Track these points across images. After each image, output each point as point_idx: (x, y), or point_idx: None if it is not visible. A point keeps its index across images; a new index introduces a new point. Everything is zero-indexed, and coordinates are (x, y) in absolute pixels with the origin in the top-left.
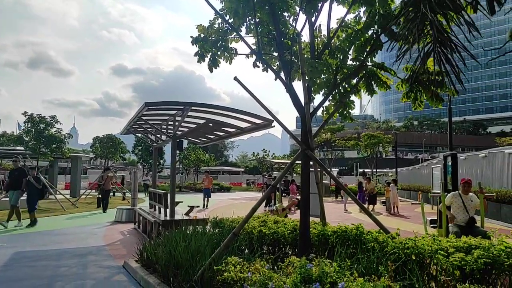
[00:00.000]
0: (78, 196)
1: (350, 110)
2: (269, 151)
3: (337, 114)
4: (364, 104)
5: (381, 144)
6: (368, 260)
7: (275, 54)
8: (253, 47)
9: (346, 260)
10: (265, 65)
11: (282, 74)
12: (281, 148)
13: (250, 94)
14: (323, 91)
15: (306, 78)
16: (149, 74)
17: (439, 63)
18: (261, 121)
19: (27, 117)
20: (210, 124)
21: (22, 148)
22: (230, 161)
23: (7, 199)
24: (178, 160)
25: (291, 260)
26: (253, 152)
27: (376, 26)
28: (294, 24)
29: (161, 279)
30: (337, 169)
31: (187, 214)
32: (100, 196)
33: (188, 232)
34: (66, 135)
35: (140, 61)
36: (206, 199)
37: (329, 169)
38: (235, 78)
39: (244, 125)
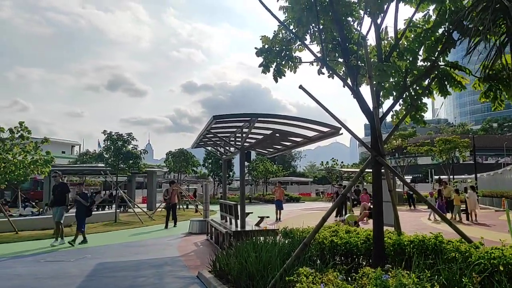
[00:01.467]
0: (154, 209)
1: (422, 113)
2: (337, 160)
3: (408, 119)
4: (437, 108)
5: (457, 149)
6: (450, 271)
7: (340, 60)
8: (318, 54)
9: (425, 271)
10: (330, 72)
11: (348, 80)
12: (350, 156)
13: (316, 101)
14: (392, 95)
15: (374, 82)
16: (217, 90)
17: None
18: (328, 129)
19: (106, 135)
20: (277, 135)
21: (103, 165)
22: (298, 171)
23: (94, 213)
24: (246, 172)
25: (366, 271)
26: (322, 162)
27: (447, 24)
28: (359, 28)
29: None
30: (410, 177)
31: (257, 224)
32: (166, 210)
33: (258, 242)
34: (142, 151)
35: (208, 77)
36: (278, 211)
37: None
38: (300, 87)
39: (310, 134)
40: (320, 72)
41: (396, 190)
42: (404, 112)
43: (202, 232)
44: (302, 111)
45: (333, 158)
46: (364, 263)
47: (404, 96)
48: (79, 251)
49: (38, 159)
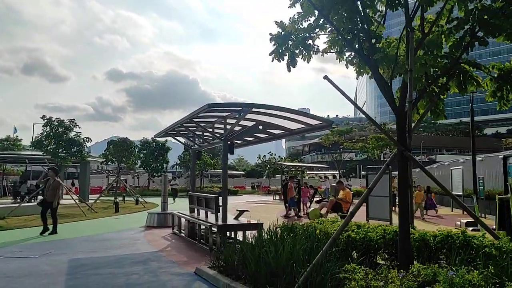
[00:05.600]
0: (87, 200)
1: (442, 108)
2: (274, 154)
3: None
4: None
5: (388, 147)
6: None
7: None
8: (325, 45)
9: (468, 267)
10: (357, 62)
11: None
12: (275, 151)
13: (341, 92)
14: (422, 88)
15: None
16: (143, 79)
17: None
18: (318, 122)
19: (45, 120)
20: (260, 127)
21: (41, 153)
22: (229, 165)
23: (28, 204)
24: (179, 164)
25: (416, 267)
26: (259, 155)
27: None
28: (380, 20)
29: (251, 286)
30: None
31: (236, 218)
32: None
33: (261, 237)
34: (86, 138)
35: (133, 65)
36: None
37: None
38: (325, 77)
39: (294, 126)
40: (351, 63)
41: None
42: (420, 108)
43: (161, 225)
44: None
45: (270, 152)
46: (385, 259)
47: (427, 91)
48: (38, 246)
49: None
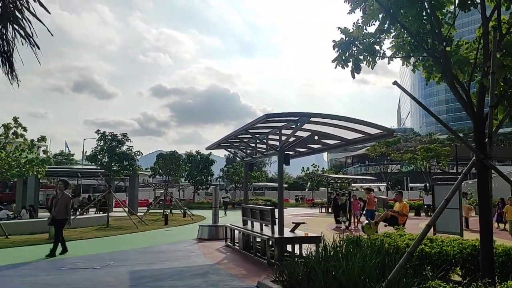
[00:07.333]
0: (136, 213)
1: None
2: (318, 166)
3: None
4: (403, 118)
5: (437, 158)
6: None
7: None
8: (388, 51)
9: None
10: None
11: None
12: (315, 162)
13: (413, 98)
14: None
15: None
16: (186, 94)
17: None
18: (379, 131)
19: (99, 135)
20: (316, 137)
21: (93, 166)
22: (270, 177)
23: (83, 217)
24: (222, 176)
25: (510, 285)
26: (303, 167)
27: None
28: (451, 22)
29: None
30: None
31: (292, 231)
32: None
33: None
34: (137, 152)
35: (175, 81)
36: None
37: None
38: (395, 83)
39: (352, 136)
40: (423, 67)
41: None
42: (499, 112)
43: (212, 238)
44: None
45: (313, 164)
46: (461, 274)
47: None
48: (96, 257)
49: (33, 159)
